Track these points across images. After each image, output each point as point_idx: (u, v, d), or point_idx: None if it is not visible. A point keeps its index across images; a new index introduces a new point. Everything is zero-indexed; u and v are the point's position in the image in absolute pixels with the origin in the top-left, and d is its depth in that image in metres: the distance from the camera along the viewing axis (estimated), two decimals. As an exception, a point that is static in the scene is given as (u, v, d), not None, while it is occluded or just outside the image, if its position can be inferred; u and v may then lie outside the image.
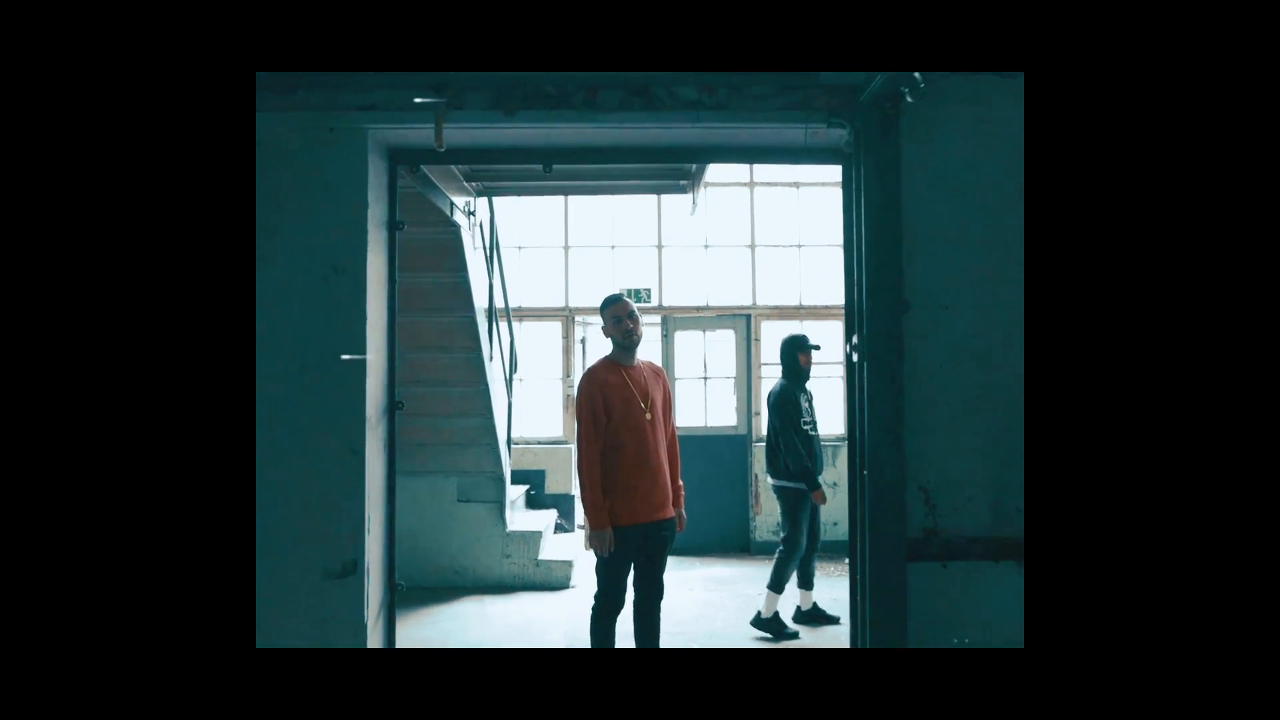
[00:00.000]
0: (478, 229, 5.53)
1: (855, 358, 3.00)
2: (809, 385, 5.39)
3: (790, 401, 5.16)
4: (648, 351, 8.40)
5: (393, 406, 3.28)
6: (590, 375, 3.85)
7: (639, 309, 7.38)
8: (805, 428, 5.12)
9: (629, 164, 3.97)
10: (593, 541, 3.72)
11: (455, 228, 4.66)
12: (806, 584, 5.30)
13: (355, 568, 2.94)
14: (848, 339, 3.16)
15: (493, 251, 5.65)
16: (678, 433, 4.13)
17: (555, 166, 3.54)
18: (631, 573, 3.85)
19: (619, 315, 3.83)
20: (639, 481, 3.77)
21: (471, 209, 4.66)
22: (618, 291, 3.92)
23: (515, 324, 7.96)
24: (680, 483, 4.05)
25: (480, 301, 5.44)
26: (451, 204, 4.47)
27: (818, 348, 5.31)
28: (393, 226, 3.28)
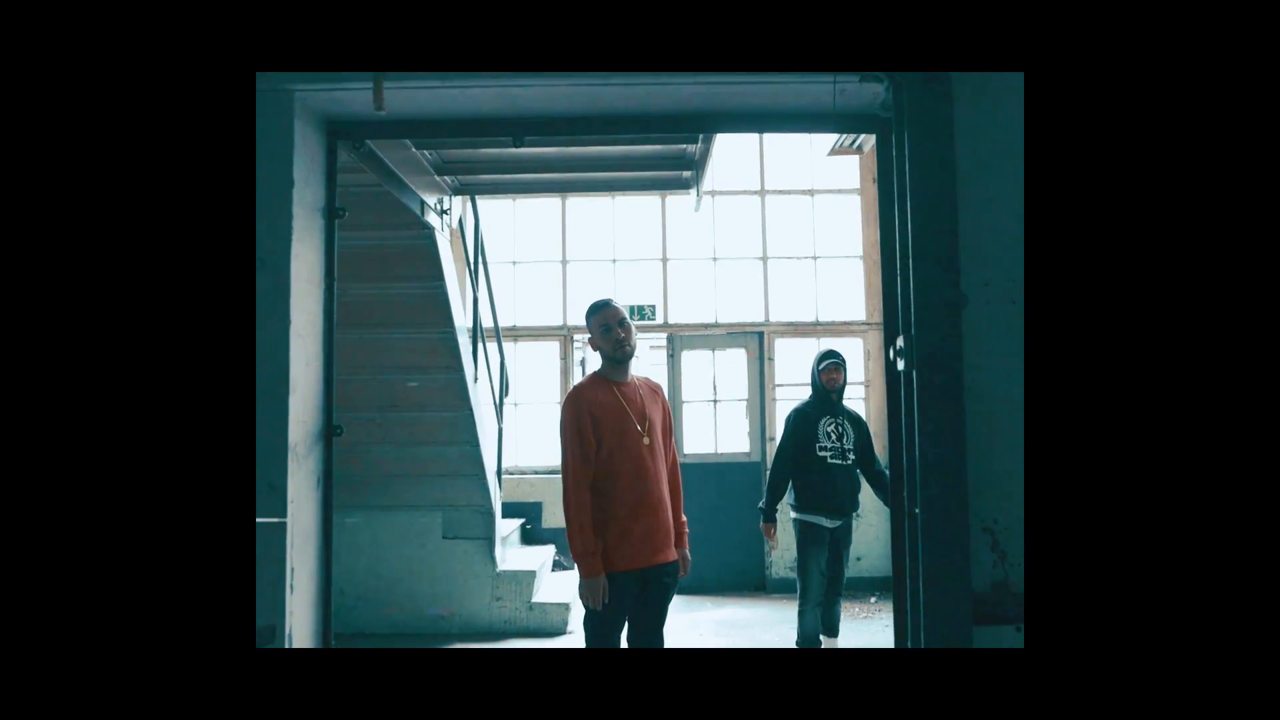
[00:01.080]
0: (460, 236, 4.97)
1: (901, 365, 2.39)
2: (851, 408, 4.71)
3: (799, 421, 4.52)
4: (652, 372, 7.83)
5: (329, 433, 2.69)
6: (577, 395, 3.26)
7: (642, 327, 6.74)
8: (823, 454, 4.41)
9: (618, 137, 3.39)
10: (583, 592, 3.12)
11: (429, 230, 4.09)
12: (831, 630, 4.63)
13: (273, 634, 2.34)
14: (889, 343, 2.55)
15: (477, 260, 5.07)
16: (680, 461, 3.53)
17: (534, 150, 2.99)
18: (626, 627, 3.24)
19: (607, 323, 3.25)
20: (636, 519, 3.17)
21: (445, 208, 4.10)
22: (606, 297, 3.34)
23: (509, 344, 7.38)
24: (684, 518, 3.43)
25: (462, 316, 4.86)
26: (423, 203, 3.92)
27: (837, 361, 4.58)
28: (331, 213, 2.71)
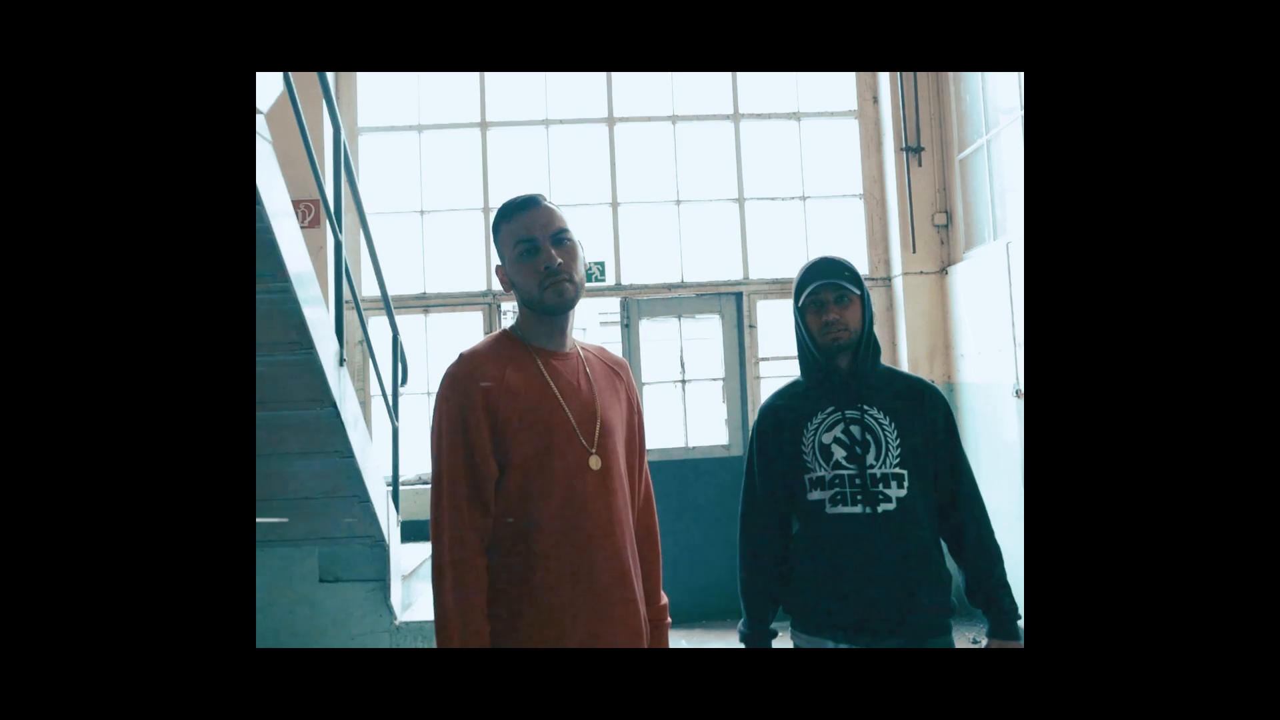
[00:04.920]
0: (304, 142, 3.31)
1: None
2: (904, 376, 2.15)
3: (766, 428, 2.13)
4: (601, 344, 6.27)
5: None
6: (462, 373, 1.73)
7: (587, 290, 5.11)
8: (818, 495, 2.02)
9: None
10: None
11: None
12: None
13: None
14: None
15: (339, 177, 3.41)
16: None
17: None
18: None
19: (530, 237, 1.73)
20: (575, 613, 1.69)
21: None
22: (529, 193, 1.79)
23: (417, 316, 5.76)
24: (664, 600, 1.91)
25: (308, 269, 3.21)
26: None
27: (834, 281, 2.04)
28: None
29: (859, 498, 1.98)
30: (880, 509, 1.97)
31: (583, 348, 1.86)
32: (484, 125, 5.92)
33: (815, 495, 2.02)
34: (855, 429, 2.01)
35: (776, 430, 2.10)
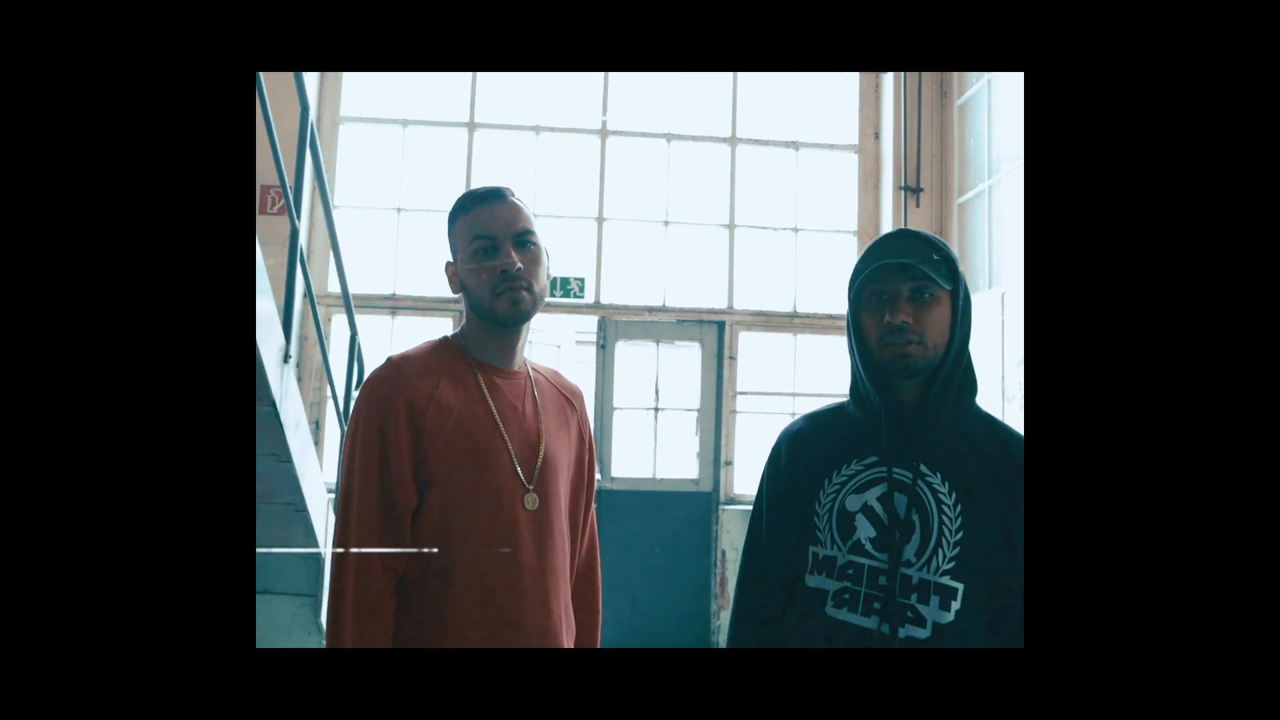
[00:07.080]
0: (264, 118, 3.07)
1: None
2: (1001, 431, 1.36)
3: (788, 461, 1.44)
4: (575, 373, 6.00)
5: None
6: (385, 382, 1.50)
7: (565, 306, 4.93)
8: (819, 581, 1.34)
9: None
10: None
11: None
12: None
13: None
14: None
15: (302, 156, 3.16)
16: (607, 486, 1.73)
17: None
18: None
19: (488, 234, 1.50)
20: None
21: None
22: (496, 185, 1.55)
23: (383, 318, 5.51)
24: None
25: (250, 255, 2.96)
26: None
27: (904, 261, 1.29)
28: None
29: (876, 606, 1.27)
30: (904, 633, 1.25)
31: (534, 368, 1.63)
32: (472, 125, 5.70)
33: (815, 581, 1.33)
34: (900, 499, 1.29)
35: (795, 470, 1.41)
